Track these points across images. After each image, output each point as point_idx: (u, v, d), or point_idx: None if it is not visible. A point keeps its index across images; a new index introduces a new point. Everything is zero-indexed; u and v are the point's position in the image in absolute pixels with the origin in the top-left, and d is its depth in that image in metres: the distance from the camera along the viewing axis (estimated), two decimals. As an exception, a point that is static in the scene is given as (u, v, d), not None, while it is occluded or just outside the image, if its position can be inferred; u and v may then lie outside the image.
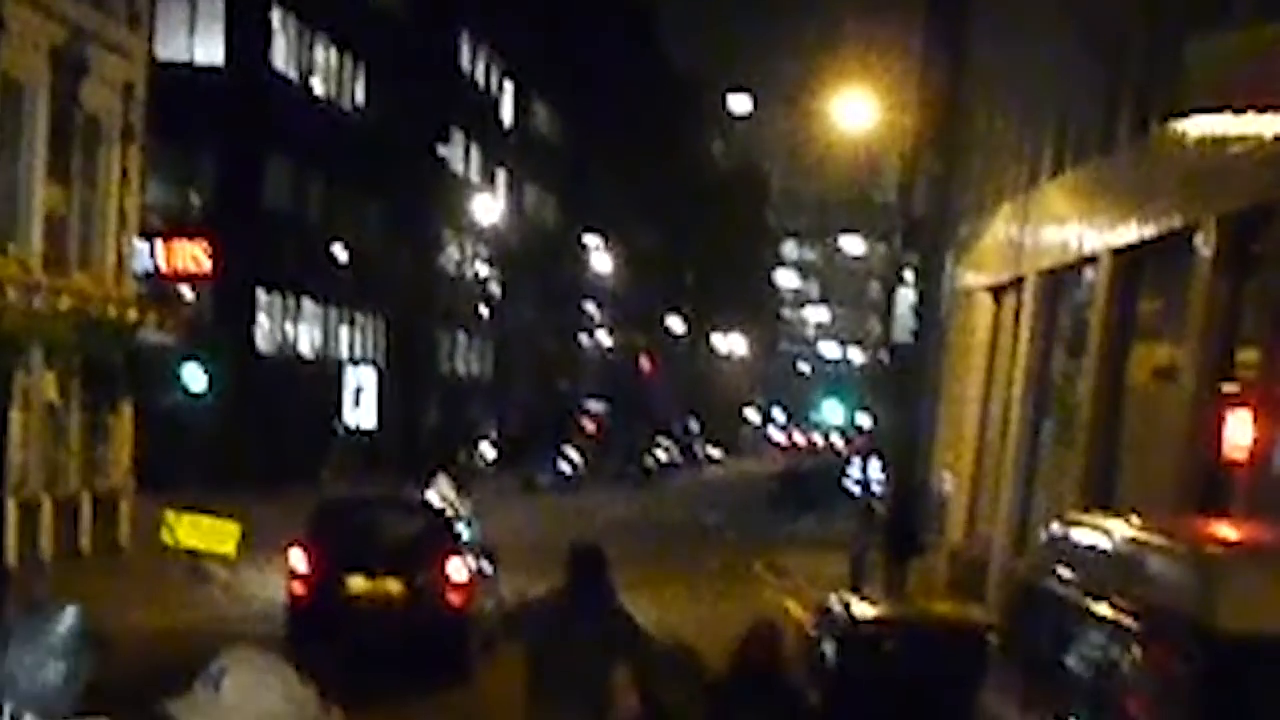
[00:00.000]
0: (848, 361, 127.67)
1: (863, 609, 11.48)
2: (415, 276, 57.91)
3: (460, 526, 18.75)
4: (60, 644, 2.74)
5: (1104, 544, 7.11)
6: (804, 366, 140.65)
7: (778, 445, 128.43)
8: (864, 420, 49.41)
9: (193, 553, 23.08)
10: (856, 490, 31.25)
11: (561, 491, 54.75)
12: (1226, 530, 8.28)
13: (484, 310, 67.86)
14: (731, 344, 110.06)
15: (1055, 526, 7.97)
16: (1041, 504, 24.61)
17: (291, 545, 17.97)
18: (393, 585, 17.53)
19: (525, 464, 60.95)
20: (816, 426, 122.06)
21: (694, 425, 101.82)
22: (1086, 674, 6.61)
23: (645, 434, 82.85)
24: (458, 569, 17.75)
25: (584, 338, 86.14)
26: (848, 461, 48.60)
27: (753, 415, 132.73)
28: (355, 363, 50.61)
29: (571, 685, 9.93)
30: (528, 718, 10.26)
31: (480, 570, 18.12)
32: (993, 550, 26.00)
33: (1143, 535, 6.81)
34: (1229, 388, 16.23)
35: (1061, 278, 24.16)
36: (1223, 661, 5.30)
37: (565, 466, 61.24)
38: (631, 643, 9.90)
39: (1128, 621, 6.01)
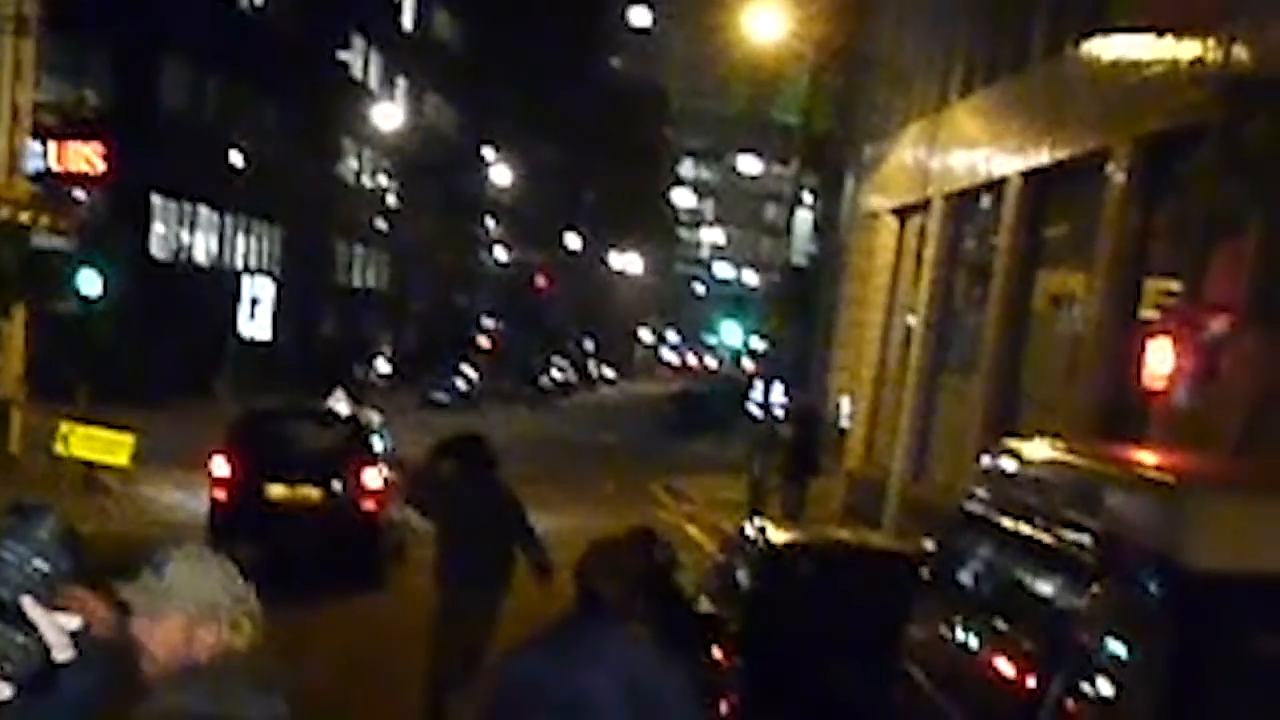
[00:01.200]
0: (742, 284, 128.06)
1: (780, 534, 11.44)
2: (314, 185, 57.24)
3: (374, 438, 19.45)
4: (42, 545, 2.74)
5: (1054, 473, 7.04)
6: (699, 288, 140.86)
7: (671, 367, 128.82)
8: (758, 344, 49.51)
9: (87, 463, 22.84)
10: (758, 413, 31.33)
11: (458, 409, 54.58)
12: (1188, 460, 8.30)
13: (382, 222, 67.34)
14: (627, 263, 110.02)
15: (996, 452, 7.90)
16: (942, 431, 24.91)
17: (214, 454, 18.74)
18: (311, 492, 18.43)
19: (421, 380, 60.73)
20: (711, 349, 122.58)
21: (589, 345, 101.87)
22: (1030, 607, 6.61)
23: (541, 353, 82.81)
24: (373, 477, 18.56)
25: (482, 253, 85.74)
26: (750, 384, 48.72)
27: (647, 336, 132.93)
28: (251, 272, 50.11)
29: (475, 556, 11.42)
30: (438, 599, 11.61)
31: (391, 479, 18.57)
32: (891, 476, 26.28)
33: (1099, 465, 6.75)
34: (1150, 315, 16.37)
35: (969, 201, 24.27)
36: (1190, 598, 5.28)
37: (461, 384, 61.03)
38: (520, 517, 11.75)
39: (1083, 554, 5.97)
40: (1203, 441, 12.50)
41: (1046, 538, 6.39)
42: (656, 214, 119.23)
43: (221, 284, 47.51)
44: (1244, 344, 13.24)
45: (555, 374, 79.82)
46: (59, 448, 22.74)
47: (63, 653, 2.49)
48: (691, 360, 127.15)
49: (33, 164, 30.80)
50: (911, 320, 26.60)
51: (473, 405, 57.62)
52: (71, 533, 2.83)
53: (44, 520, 2.78)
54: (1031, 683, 6.08)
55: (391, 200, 69.01)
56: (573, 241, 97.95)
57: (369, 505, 18.47)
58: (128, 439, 22.78)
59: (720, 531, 23.55)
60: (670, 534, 9.41)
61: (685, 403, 62.36)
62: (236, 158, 48.78)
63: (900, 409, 26.54)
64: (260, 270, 52.10)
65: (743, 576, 11.16)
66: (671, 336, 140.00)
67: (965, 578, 7.54)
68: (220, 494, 18.41)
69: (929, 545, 8.65)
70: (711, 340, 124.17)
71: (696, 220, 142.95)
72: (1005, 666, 6.58)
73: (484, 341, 79.98)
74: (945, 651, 7.40)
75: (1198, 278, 14.70)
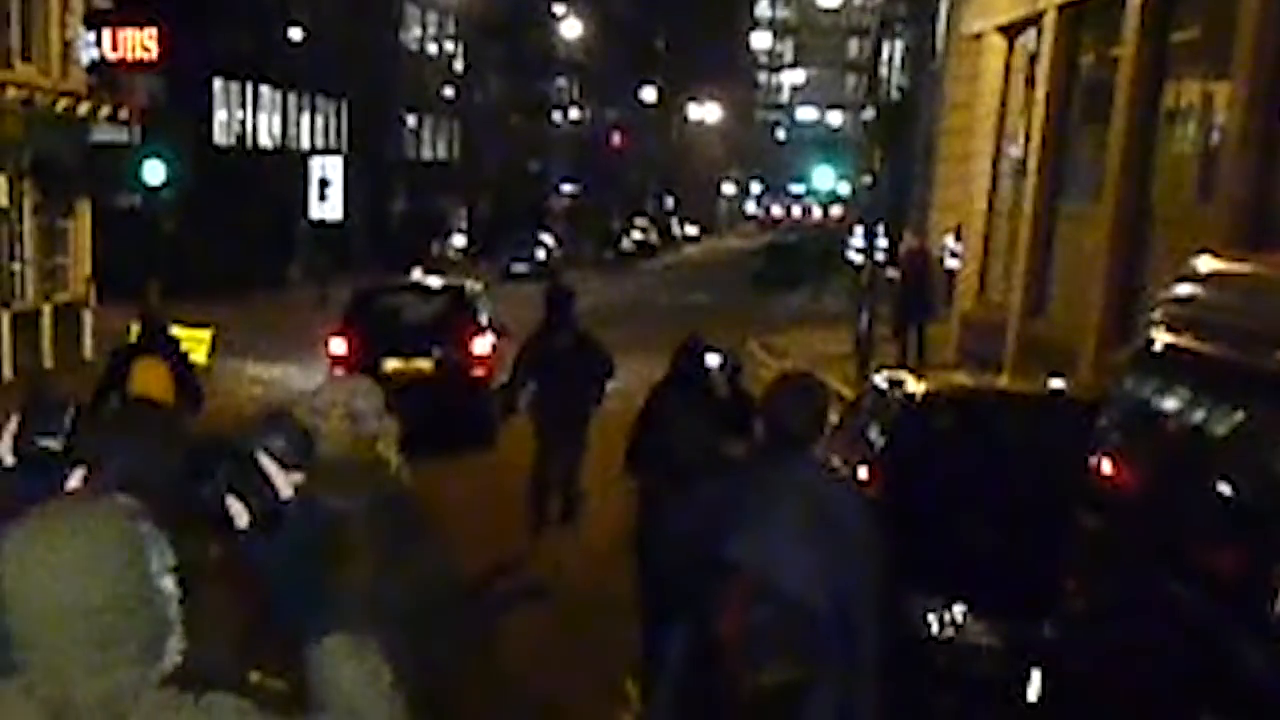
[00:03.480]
0: (827, 126, 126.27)
1: (916, 385, 10.70)
2: (377, 57, 56.50)
3: (477, 307, 21.15)
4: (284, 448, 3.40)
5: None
6: (781, 134, 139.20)
7: (757, 220, 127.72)
8: (847, 189, 48.38)
9: (165, 360, 22.42)
10: (859, 259, 30.53)
11: (539, 279, 54.04)
12: None
13: (449, 90, 66.51)
14: (706, 114, 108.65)
15: (1190, 276, 7.08)
16: (1061, 265, 24.08)
17: (331, 334, 20.54)
18: (423, 363, 19.96)
19: (499, 252, 60.18)
20: (798, 197, 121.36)
21: (670, 203, 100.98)
22: (1259, 452, 5.91)
23: (621, 214, 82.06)
24: (480, 345, 20.23)
25: (555, 115, 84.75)
26: (848, 231, 47.71)
27: (730, 189, 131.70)
28: (318, 152, 49.59)
29: (565, 406, 13.72)
30: (538, 446, 14.00)
31: (496, 346, 20.10)
32: (1008, 317, 25.51)
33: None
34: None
35: (1086, 10, 23.17)
36: None
37: (540, 253, 60.42)
38: (606, 361, 14.07)
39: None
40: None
41: (1271, 367, 5.66)
42: (733, 59, 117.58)
43: (288, 166, 47.03)
44: None
45: (637, 235, 79.09)
46: (133, 349, 22.33)
47: (287, 493, 3.15)
48: (777, 211, 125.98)
49: (87, 54, 30.20)
50: (1024, 149, 25.66)
51: (553, 274, 57.08)
52: (305, 433, 3.57)
53: (283, 424, 3.53)
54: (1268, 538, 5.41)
55: (458, 66, 68.12)
56: (648, 95, 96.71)
57: (478, 371, 20.00)
58: (204, 334, 22.37)
59: (823, 383, 22.89)
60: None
61: (775, 256, 61.41)
62: (296, 33, 48.09)
63: (1015, 245, 25.68)
64: (327, 149, 51.58)
65: (875, 435, 10.50)
66: (755, 188, 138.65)
67: (1165, 423, 6.79)
68: (341, 372, 19.00)
69: (1109, 389, 7.81)
70: (798, 189, 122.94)
71: (776, 63, 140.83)
72: (1232, 523, 5.92)
73: (561, 207, 79.28)
74: (1147, 512, 6.71)
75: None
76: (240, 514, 3.10)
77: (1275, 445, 5.68)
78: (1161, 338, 6.91)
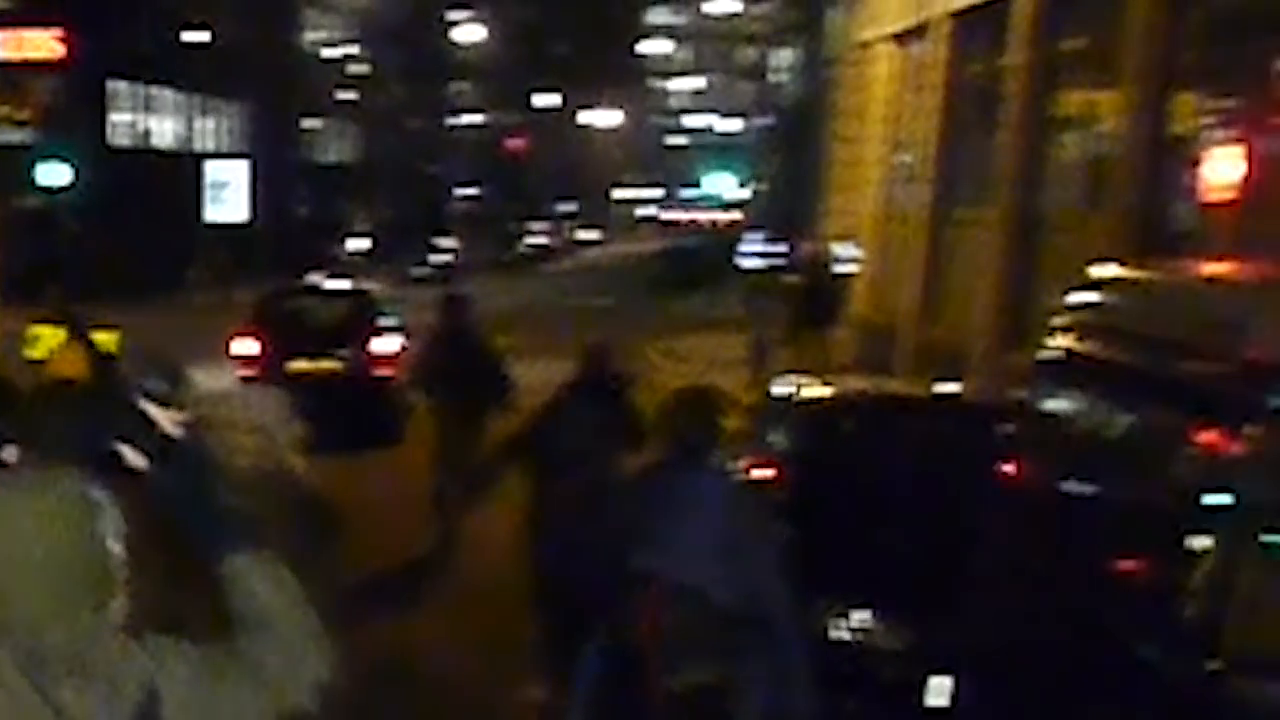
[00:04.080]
0: (721, 132, 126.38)
1: (817, 390, 10.66)
2: (276, 60, 55.92)
3: (380, 309, 21.80)
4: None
5: (1182, 298, 6.26)
6: (676, 140, 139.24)
7: (653, 223, 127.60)
8: (743, 194, 48.38)
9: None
10: (756, 264, 30.55)
11: (440, 282, 53.74)
12: None
13: (350, 94, 65.98)
14: (601, 120, 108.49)
15: (1092, 283, 7.05)
16: (955, 271, 24.18)
17: (236, 335, 20.65)
18: (329, 364, 20.18)
19: (400, 254, 59.76)
20: (694, 203, 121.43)
21: (568, 207, 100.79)
22: (1160, 454, 5.86)
23: (519, 218, 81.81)
24: (383, 345, 20.63)
25: (453, 119, 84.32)
26: (741, 235, 47.71)
27: (626, 194, 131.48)
28: (219, 155, 49.02)
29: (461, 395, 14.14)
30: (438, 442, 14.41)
31: (403, 346, 20.44)
32: (901, 322, 25.59)
33: (1239, 285, 6.02)
34: (1183, 129, 15.57)
35: (975, 19, 23.26)
36: None
37: (440, 257, 60.06)
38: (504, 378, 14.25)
39: (1243, 394, 5.21)
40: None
41: (1180, 374, 5.63)
42: (629, 66, 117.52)
43: (188, 169, 46.44)
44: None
45: (535, 240, 78.84)
46: (33, 352, 21.90)
47: (171, 429, 3.43)
48: (672, 216, 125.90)
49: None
50: (916, 156, 25.76)
51: (454, 277, 56.76)
52: (172, 364, 3.97)
53: (150, 364, 3.95)
54: (1180, 541, 5.37)
55: (358, 69, 67.60)
56: (546, 100, 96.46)
57: (383, 371, 20.33)
58: (106, 337, 21.96)
59: (721, 393, 22.80)
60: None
61: (671, 260, 61.43)
62: (195, 35, 47.48)
63: (908, 251, 25.79)
64: (228, 153, 50.99)
65: (778, 439, 10.43)
66: (650, 193, 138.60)
67: (1070, 427, 6.76)
68: (247, 371, 19.74)
69: (1015, 394, 7.79)
70: (693, 194, 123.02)
71: (669, 70, 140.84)
72: (1135, 526, 5.90)
73: (461, 211, 78.90)
74: (1053, 515, 6.68)
75: (1257, 80, 13.85)
76: (135, 458, 3.29)
77: (1176, 449, 5.67)
78: (1065, 343, 6.88)
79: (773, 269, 28.95)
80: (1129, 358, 6.27)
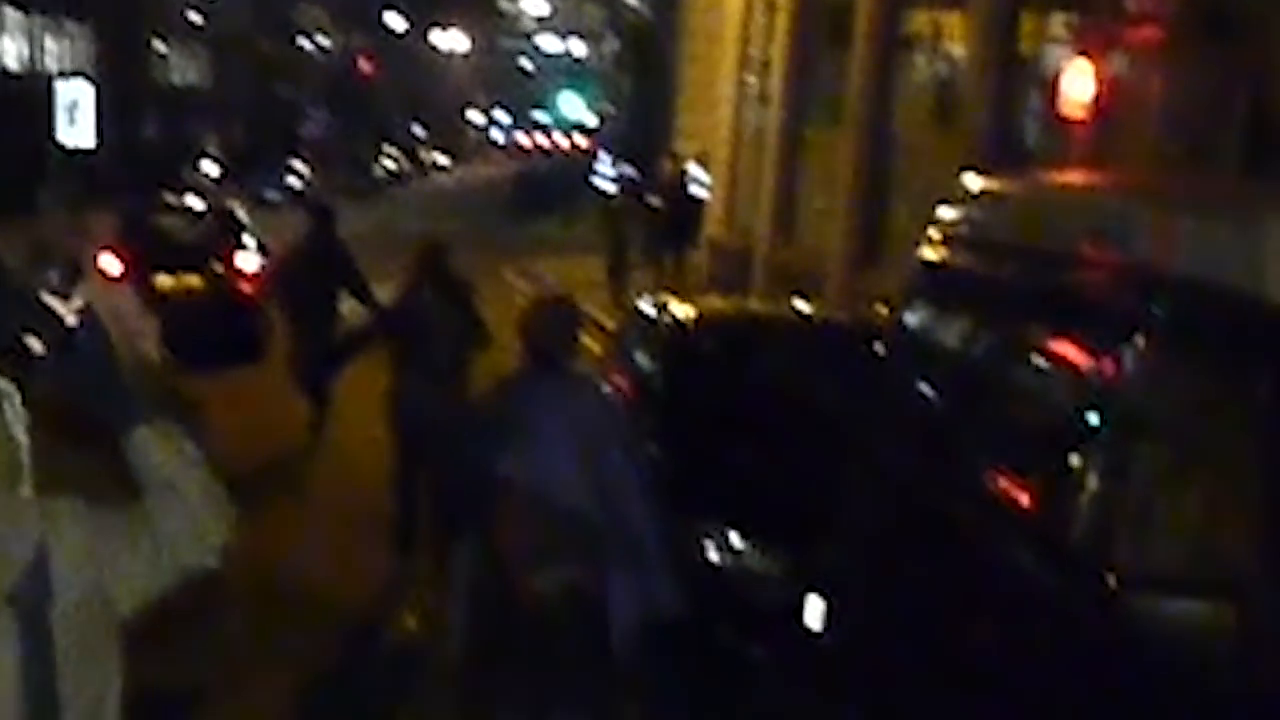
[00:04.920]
0: (571, 54, 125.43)
1: (684, 310, 10.40)
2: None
3: (243, 227, 21.67)
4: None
5: (1061, 208, 6.03)
6: (526, 64, 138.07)
7: (504, 148, 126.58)
8: (592, 118, 47.80)
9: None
10: (611, 187, 30.18)
11: (293, 206, 52.79)
12: (1206, 186, 7.30)
13: (197, 15, 64.44)
14: (451, 42, 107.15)
15: (965, 195, 6.82)
16: (808, 191, 24.08)
17: (100, 251, 19.86)
18: (192, 279, 20.17)
19: (252, 178, 58.59)
20: (545, 127, 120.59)
21: (419, 131, 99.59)
22: (1041, 373, 5.69)
23: (371, 142, 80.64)
24: (246, 261, 20.63)
25: (303, 41, 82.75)
26: (594, 158, 47.26)
27: (477, 118, 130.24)
28: (66, 76, 47.60)
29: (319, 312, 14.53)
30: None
31: (262, 264, 20.42)
32: (756, 244, 25.46)
33: (1123, 193, 5.82)
34: (1057, 35, 15.52)
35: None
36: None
37: (293, 180, 58.98)
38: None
39: (1117, 302, 5.03)
40: (1137, 168, 11.67)
41: (1062, 286, 5.44)
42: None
43: (35, 91, 45.06)
44: (1177, 58, 12.31)
45: (387, 163, 77.77)
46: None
47: (72, 320, 3.39)
48: (523, 140, 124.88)
49: None
50: (767, 76, 25.57)
51: (306, 201, 55.68)
52: (72, 260, 4.28)
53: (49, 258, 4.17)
54: (1064, 459, 5.20)
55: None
56: (395, 23, 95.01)
57: (245, 287, 20.31)
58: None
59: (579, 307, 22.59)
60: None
61: (525, 184, 60.76)
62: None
63: (761, 172, 25.63)
64: (76, 73, 49.55)
65: (643, 360, 10.19)
66: (502, 117, 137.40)
67: (945, 346, 6.55)
68: (111, 287, 19.20)
69: (882, 313, 7.59)
70: (544, 117, 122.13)
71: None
72: (1009, 443, 5.73)
73: (312, 134, 77.58)
74: (927, 433, 6.49)
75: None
76: (36, 346, 3.40)
77: (1055, 363, 5.50)
78: (939, 257, 6.67)
79: (627, 191, 28.57)
80: (1003, 270, 6.08)
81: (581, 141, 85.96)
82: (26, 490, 3.23)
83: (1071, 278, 5.46)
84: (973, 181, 6.76)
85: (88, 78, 47.64)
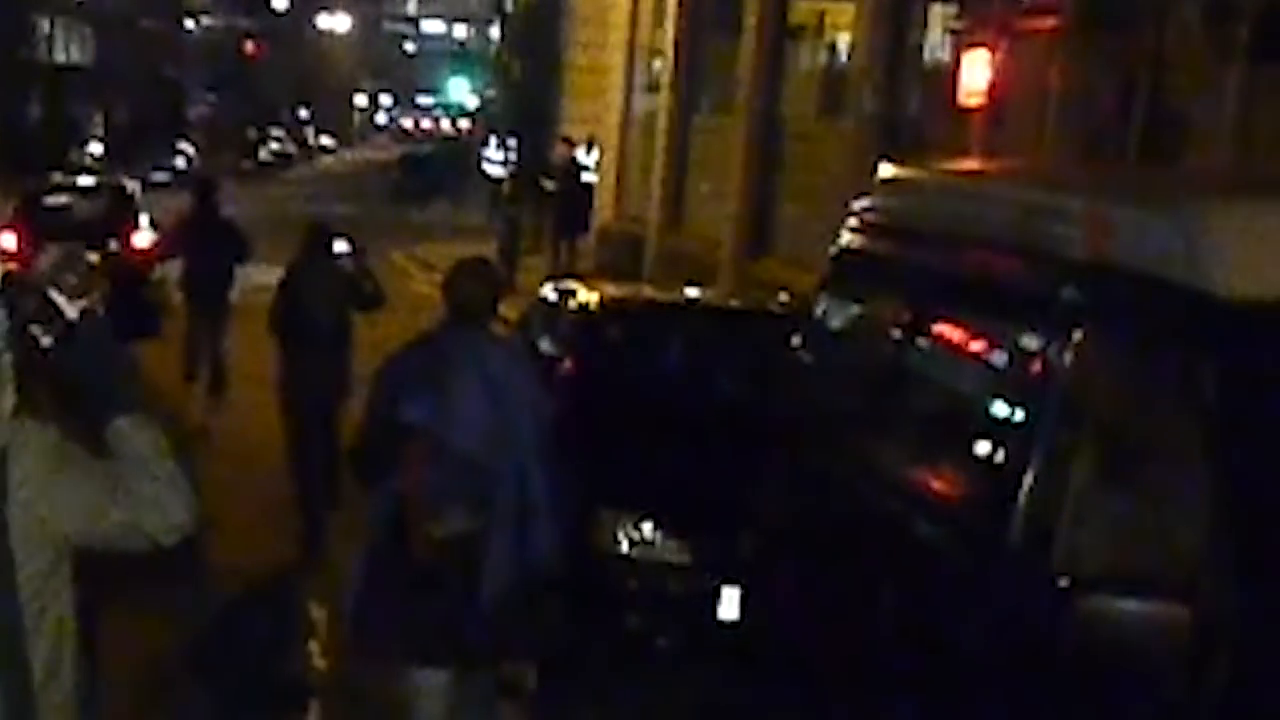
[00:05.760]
0: (453, 39, 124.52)
1: (588, 295, 10.15)
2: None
3: (139, 204, 22.50)
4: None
5: (991, 194, 5.85)
6: (409, 47, 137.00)
7: (388, 131, 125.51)
8: (475, 100, 47.18)
9: None
10: (498, 171, 29.83)
11: (179, 188, 51.82)
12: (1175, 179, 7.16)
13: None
14: (336, 24, 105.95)
15: (880, 183, 6.65)
16: (698, 177, 23.92)
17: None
18: (90, 256, 19.51)
19: (138, 160, 57.47)
20: (428, 110, 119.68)
21: (304, 113, 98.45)
22: (974, 369, 5.52)
23: (256, 124, 79.53)
24: (141, 239, 21.03)
25: (188, 21, 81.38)
26: (483, 143, 46.77)
27: (362, 101, 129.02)
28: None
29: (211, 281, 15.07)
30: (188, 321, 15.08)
31: (154, 240, 20.64)
32: (646, 230, 25.28)
33: (1055, 185, 5.66)
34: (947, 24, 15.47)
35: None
36: (1225, 337, 4.22)
37: (180, 161, 57.93)
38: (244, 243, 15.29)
39: (1053, 293, 4.87)
40: (1036, 158, 11.60)
41: (984, 273, 5.28)
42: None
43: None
44: (1077, 48, 12.24)
45: (274, 146, 76.74)
46: None
47: (72, 315, 3.90)
48: (408, 123, 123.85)
49: None
50: (657, 62, 25.37)
51: (193, 183, 54.64)
52: (90, 265, 4.22)
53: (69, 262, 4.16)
54: (995, 454, 5.04)
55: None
56: (278, 3, 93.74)
57: (142, 264, 20.17)
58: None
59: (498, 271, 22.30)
60: (427, 309, 10.85)
61: (412, 167, 60.07)
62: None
63: (651, 157, 25.43)
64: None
65: (548, 347, 9.96)
66: (386, 100, 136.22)
67: (864, 334, 6.39)
68: (10, 264, 19.09)
69: (784, 299, 7.39)
70: (427, 101, 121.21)
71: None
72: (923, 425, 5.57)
73: (198, 115, 76.39)
74: (844, 419, 6.31)
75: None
76: (43, 336, 3.84)
77: (958, 344, 5.35)
78: (854, 243, 6.51)
79: (517, 176, 28.25)
80: (922, 256, 5.93)
81: (464, 125, 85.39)
82: (8, 400, 3.61)
83: (993, 264, 5.32)
84: (888, 169, 6.60)
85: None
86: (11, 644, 3.56)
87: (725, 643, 7.42)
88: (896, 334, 6.00)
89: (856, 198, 6.78)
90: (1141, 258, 4.56)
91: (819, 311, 6.75)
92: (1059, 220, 5.03)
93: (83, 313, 3.96)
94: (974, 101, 12.98)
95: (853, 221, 6.71)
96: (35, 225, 20.49)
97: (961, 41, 14.46)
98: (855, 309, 6.59)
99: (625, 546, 7.84)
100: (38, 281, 4.07)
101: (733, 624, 7.28)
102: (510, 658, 6.52)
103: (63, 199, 22.91)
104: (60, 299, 3.97)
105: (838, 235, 6.73)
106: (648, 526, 7.85)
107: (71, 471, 3.62)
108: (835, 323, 6.68)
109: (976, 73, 12.94)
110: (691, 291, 11.42)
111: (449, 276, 6.53)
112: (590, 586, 7.71)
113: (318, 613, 9.24)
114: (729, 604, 7.23)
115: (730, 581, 7.24)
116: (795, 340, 6.90)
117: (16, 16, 55.83)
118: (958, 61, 13.75)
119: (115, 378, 3.87)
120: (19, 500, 3.55)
